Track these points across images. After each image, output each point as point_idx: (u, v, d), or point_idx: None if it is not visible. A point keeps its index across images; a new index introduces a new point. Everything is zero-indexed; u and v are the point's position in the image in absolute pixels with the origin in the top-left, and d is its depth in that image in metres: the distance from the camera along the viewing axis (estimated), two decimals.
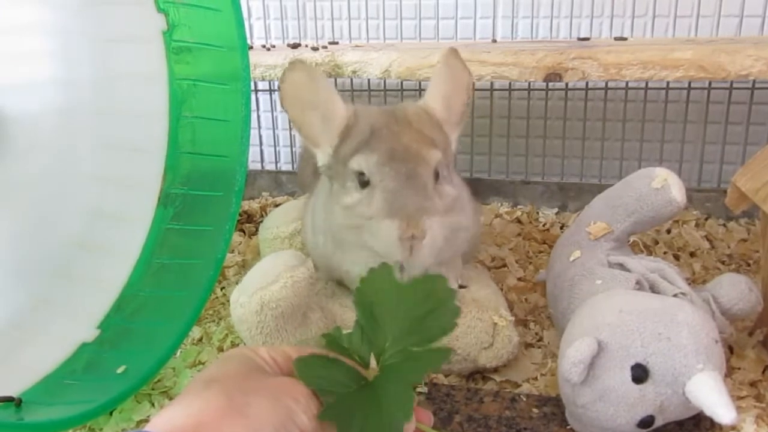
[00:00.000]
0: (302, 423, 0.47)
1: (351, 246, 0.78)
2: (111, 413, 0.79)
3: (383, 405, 0.49)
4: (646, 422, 0.66)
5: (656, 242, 1.16)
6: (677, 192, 0.80)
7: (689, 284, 0.80)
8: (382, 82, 1.40)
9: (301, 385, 0.49)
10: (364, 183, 0.74)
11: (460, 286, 0.86)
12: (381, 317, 0.57)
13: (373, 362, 0.54)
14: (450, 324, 0.55)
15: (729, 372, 0.79)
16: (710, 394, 0.62)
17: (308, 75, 0.76)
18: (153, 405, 0.81)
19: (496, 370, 0.82)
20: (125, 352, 0.84)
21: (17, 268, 0.88)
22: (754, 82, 1.24)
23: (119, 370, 0.80)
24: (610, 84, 1.31)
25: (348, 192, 0.75)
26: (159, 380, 0.85)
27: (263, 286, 0.78)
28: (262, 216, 1.33)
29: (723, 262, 1.10)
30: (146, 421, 0.77)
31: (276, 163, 1.58)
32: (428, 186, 0.72)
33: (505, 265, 1.11)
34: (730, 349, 0.83)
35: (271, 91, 1.52)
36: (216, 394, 0.45)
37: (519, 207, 1.36)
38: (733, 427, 0.69)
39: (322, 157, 0.80)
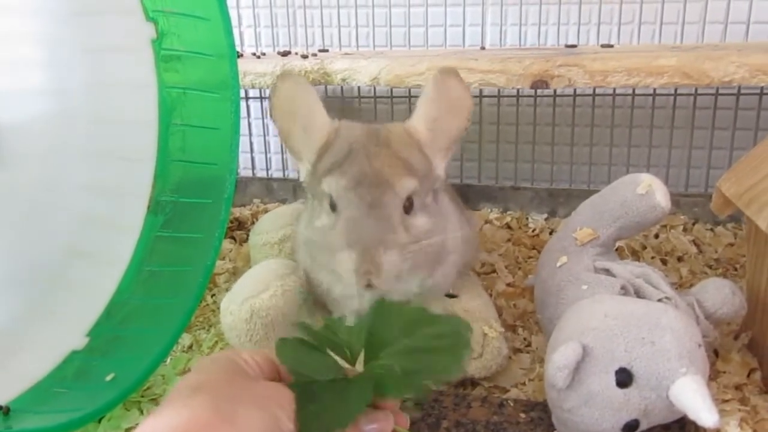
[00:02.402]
0: (288, 429, 0.47)
1: (324, 270, 0.76)
2: (100, 421, 0.79)
3: (346, 398, 0.50)
4: (631, 426, 0.66)
5: (644, 247, 1.17)
6: (662, 197, 0.81)
7: (676, 289, 0.81)
8: (372, 89, 1.41)
9: (285, 390, 0.50)
10: (333, 206, 0.71)
11: (451, 296, 0.87)
12: (392, 328, 0.57)
13: (359, 364, 0.55)
14: (450, 373, 0.54)
15: (714, 375, 0.80)
16: (693, 398, 0.63)
17: (296, 86, 0.76)
18: (142, 412, 0.81)
19: (484, 378, 0.83)
20: (115, 360, 0.84)
21: (7, 276, 0.88)
22: (739, 87, 1.25)
23: (108, 378, 0.80)
24: (598, 90, 1.32)
25: (321, 213, 0.73)
26: (149, 388, 0.85)
27: (253, 294, 0.79)
28: (253, 223, 1.33)
29: (710, 267, 1.11)
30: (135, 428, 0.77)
31: (267, 170, 1.58)
32: (393, 217, 0.69)
33: (494, 271, 1.12)
34: (716, 353, 0.83)
35: (261, 98, 1.52)
36: (203, 402, 0.45)
37: (509, 213, 1.36)
38: (717, 430, 0.70)
39: (303, 172, 0.78)
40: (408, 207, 0.71)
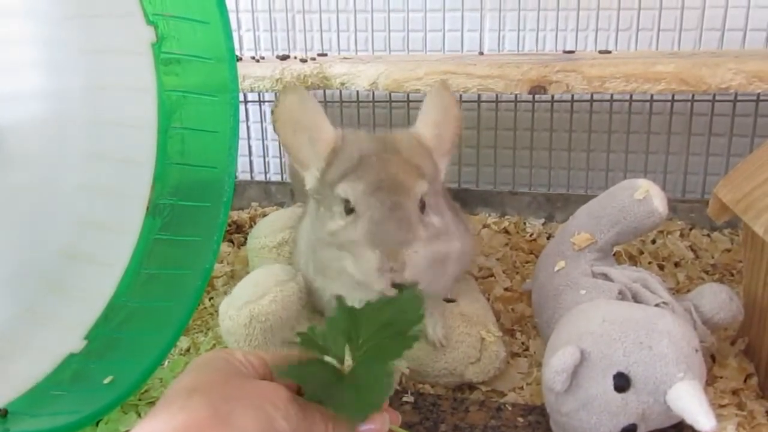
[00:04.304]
0: (282, 429, 0.48)
1: (333, 273, 0.76)
2: (97, 424, 0.79)
3: (362, 386, 0.52)
4: (629, 430, 0.67)
5: (641, 252, 1.17)
6: (659, 203, 0.82)
7: (673, 294, 0.82)
8: (371, 93, 1.41)
9: (280, 389, 0.50)
10: (349, 210, 0.73)
11: (449, 300, 0.87)
12: (361, 317, 0.59)
13: (347, 359, 0.56)
14: (406, 347, 0.56)
15: (711, 380, 0.80)
16: (690, 403, 0.63)
17: (300, 97, 0.77)
18: (139, 415, 0.81)
19: (482, 382, 0.83)
20: (112, 363, 0.84)
21: (5, 279, 0.87)
22: (736, 94, 1.26)
23: (106, 381, 0.80)
24: (596, 96, 1.33)
25: (333, 217, 0.74)
26: (146, 391, 0.85)
27: (253, 299, 0.79)
28: (251, 226, 1.33)
29: (707, 272, 1.11)
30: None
31: (265, 173, 1.58)
32: (412, 218, 0.71)
33: (492, 275, 1.12)
34: (713, 358, 0.84)
35: (260, 102, 1.53)
36: (199, 404, 0.46)
37: (506, 217, 1.37)
38: None
39: (310, 180, 0.79)
40: (422, 207, 0.74)
